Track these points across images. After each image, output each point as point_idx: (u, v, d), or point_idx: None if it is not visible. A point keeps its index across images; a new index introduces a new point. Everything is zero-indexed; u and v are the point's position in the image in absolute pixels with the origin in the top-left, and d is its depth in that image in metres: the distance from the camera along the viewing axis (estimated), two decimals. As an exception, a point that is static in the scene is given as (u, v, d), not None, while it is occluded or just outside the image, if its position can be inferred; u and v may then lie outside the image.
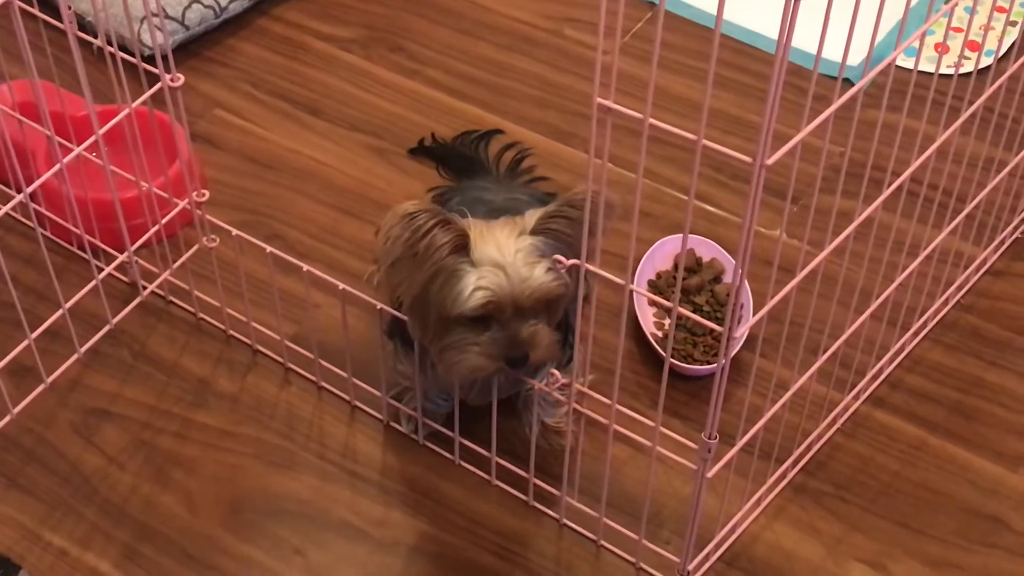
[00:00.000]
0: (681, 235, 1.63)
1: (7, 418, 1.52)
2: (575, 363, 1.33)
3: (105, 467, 1.49)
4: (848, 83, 1.06)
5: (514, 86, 1.99)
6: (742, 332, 1.14)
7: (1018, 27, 1.97)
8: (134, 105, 1.45)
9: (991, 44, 1.96)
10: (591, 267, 1.12)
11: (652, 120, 0.99)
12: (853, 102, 1.06)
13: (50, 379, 1.55)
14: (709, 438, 1.17)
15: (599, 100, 0.99)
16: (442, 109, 1.94)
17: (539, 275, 1.23)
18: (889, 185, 1.24)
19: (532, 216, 1.25)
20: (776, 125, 0.97)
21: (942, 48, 1.40)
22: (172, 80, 1.40)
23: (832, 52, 1.02)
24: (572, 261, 1.14)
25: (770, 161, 0.95)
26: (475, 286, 1.23)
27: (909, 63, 1.18)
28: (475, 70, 2.01)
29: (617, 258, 1.12)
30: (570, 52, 2.04)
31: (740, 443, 1.26)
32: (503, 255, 1.23)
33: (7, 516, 1.44)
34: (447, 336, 1.27)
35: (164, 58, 1.38)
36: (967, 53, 1.97)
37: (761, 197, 0.98)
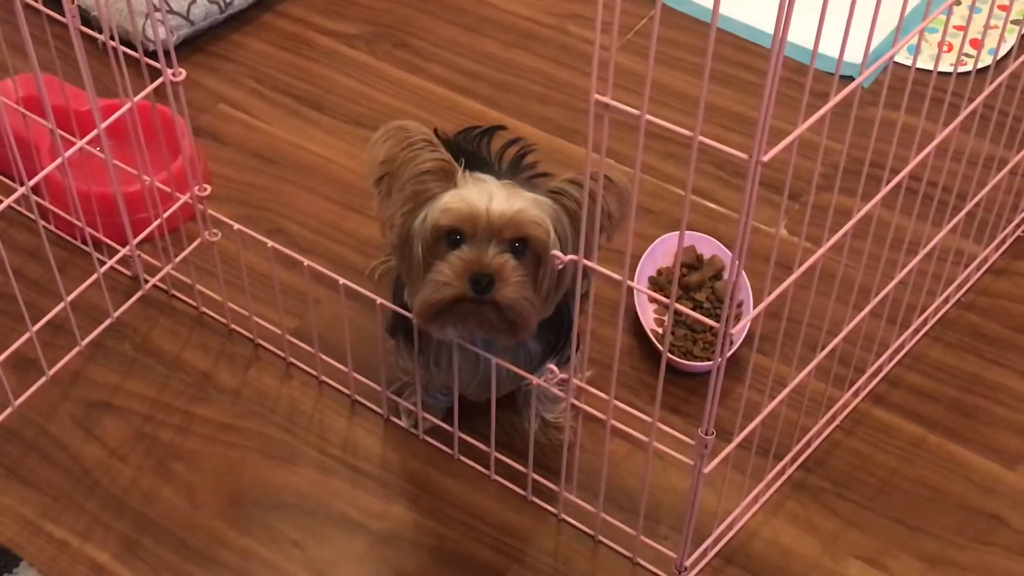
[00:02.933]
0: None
1: (9, 410, 1.52)
2: (573, 359, 1.33)
3: (106, 459, 1.49)
4: (847, 80, 1.06)
5: (517, 82, 1.99)
6: (739, 328, 1.15)
7: (1020, 25, 1.97)
8: (136, 99, 1.45)
9: (994, 42, 1.96)
10: (589, 263, 1.13)
11: (649, 116, 0.99)
12: (853, 99, 1.06)
13: (52, 371, 1.56)
14: (706, 434, 1.18)
15: (597, 96, 0.99)
16: (445, 105, 1.95)
17: (518, 204, 1.22)
18: (888, 182, 1.24)
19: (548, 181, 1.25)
20: (777, 122, 0.97)
21: (945, 46, 1.40)
22: (174, 75, 1.40)
23: (836, 50, 1.03)
24: (570, 257, 1.15)
25: (766, 157, 0.95)
26: (451, 199, 1.22)
27: (912, 61, 1.18)
28: (479, 66, 2.02)
29: (617, 254, 1.12)
30: (574, 48, 2.05)
31: (737, 439, 1.26)
32: (488, 184, 1.23)
33: (8, 507, 1.45)
34: (427, 272, 1.25)
35: (166, 53, 1.39)
36: (969, 51, 1.98)
37: (762, 194, 0.98)
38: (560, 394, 1.30)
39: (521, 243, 1.23)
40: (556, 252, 1.14)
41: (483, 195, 1.22)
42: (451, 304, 1.24)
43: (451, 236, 1.23)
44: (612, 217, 1.23)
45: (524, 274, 1.23)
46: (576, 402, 1.29)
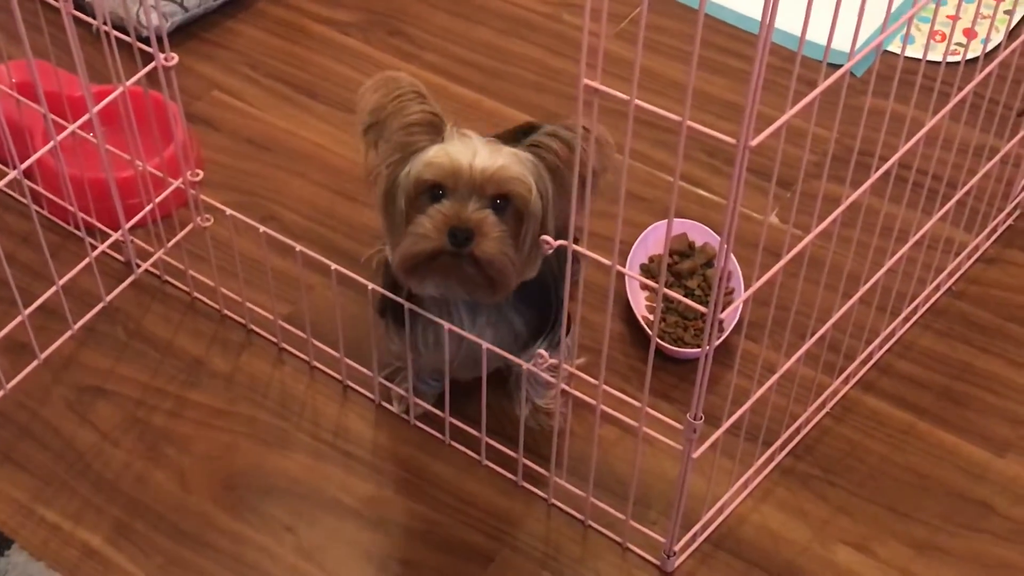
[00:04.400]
0: (675, 219, 1.63)
1: (1, 393, 1.53)
2: (564, 343, 1.34)
3: (98, 443, 1.50)
4: (837, 68, 1.06)
5: (512, 70, 2.00)
6: (728, 314, 1.15)
7: (1012, 15, 1.98)
8: (127, 84, 1.46)
9: (985, 32, 1.96)
10: (578, 248, 1.13)
11: (638, 101, 0.99)
12: (842, 86, 1.07)
13: (44, 355, 1.56)
14: (694, 419, 1.18)
15: (586, 81, 1.00)
16: (440, 93, 1.94)
17: (500, 161, 1.22)
18: (877, 170, 1.24)
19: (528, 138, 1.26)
20: (768, 110, 0.98)
21: (936, 35, 1.40)
22: (166, 60, 1.41)
23: (838, 39, 1.03)
24: (560, 242, 1.15)
25: (754, 143, 0.96)
26: (435, 153, 1.23)
27: (907, 50, 1.19)
28: (473, 54, 2.02)
29: (607, 240, 1.13)
30: (568, 37, 2.05)
31: (725, 424, 1.27)
32: (473, 140, 1.24)
33: (0, 491, 1.46)
34: (409, 225, 1.25)
35: (159, 38, 1.39)
36: (961, 40, 1.98)
37: (753, 182, 0.99)
38: (551, 379, 1.31)
39: (503, 199, 1.23)
40: (545, 237, 1.15)
41: (467, 150, 1.23)
42: (430, 257, 1.24)
43: (433, 190, 1.24)
44: (594, 169, 1.20)
45: (504, 230, 1.24)
46: (566, 387, 1.29)
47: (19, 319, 1.49)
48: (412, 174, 1.24)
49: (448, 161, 1.23)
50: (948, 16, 2.01)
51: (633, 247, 1.64)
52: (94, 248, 1.60)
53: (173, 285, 1.66)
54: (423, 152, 1.24)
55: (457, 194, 1.23)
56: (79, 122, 1.47)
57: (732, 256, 1.58)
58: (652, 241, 1.67)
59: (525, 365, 1.31)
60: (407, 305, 1.33)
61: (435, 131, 1.26)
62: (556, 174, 1.24)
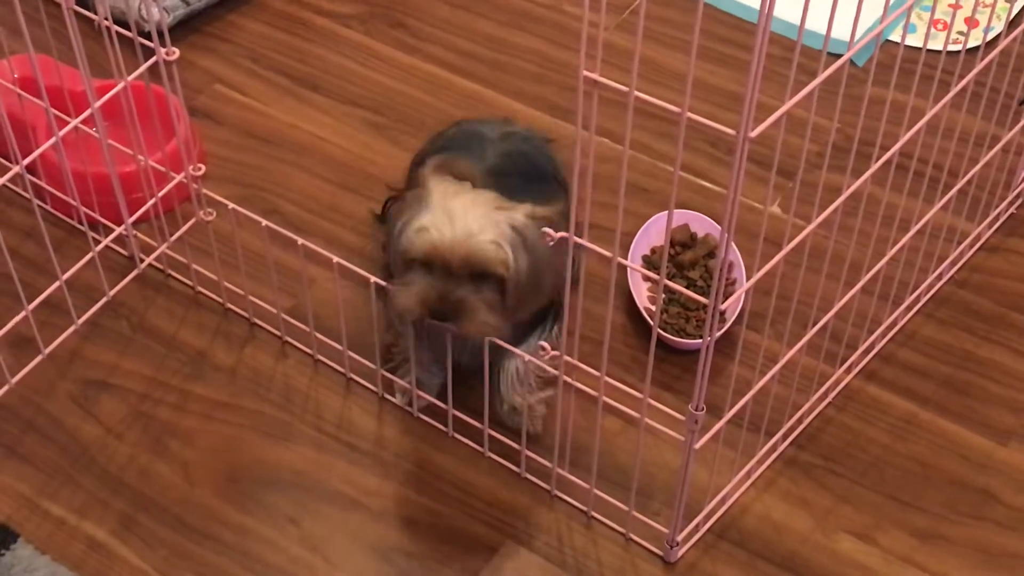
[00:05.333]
0: (677, 210, 1.63)
1: (5, 388, 1.53)
2: (563, 332, 1.35)
3: (103, 437, 1.50)
4: (838, 58, 1.06)
5: (513, 62, 2.00)
6: (730, 305, 1.16)
7: (1013, 4, 1.98)
8: (129, 79, 1.46)
9: (993, 22, 1.96)
10: (581, 240, 1.13)
11: (638, 93, 0.99)
12: (842, 76, 1.07)
13: (48, 350, 1.57)
14: (696, 410, 1.19)
15: (585, 73, 1.00)
16: (441, 85, 1.95)
17: (482, 239, 1.25)
18: (878, 159, 1.24)
19: (520, 209, 1.28)
20: (770, 100, 0.98)
21: (939, 24, 1.40)
22: (167, 54, 1.41)
23: (838, 30, 1.03)
24: (561, 234, 1.15)
25: (754, 133, 0.96)
26: (419, 226, 1.27)
27: (909, 40, 1.19)
28: (475, 46, 2.02)
29: (609, 232, 1.13)
30: (569, 28, 2.05)
31: (728, 415, 1.27)
32: (465, 211, 1.26)
33: (6, 485, 1.46)
34: (399, 269, 1.31)
35: (160, 32, 1.39)
36: (963, 28, 1.98)
37: (755, 173, 0.99)
38: (552, 370, 1.31)
39: (480, 276, 1.27)
40: (547, 229, 1.15)
41: (446, 224, 1.26)
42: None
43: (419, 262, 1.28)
44: (520, 284, 1.28)
45: (486, 303, 1.28)
46: (568, 379, 1.30)
47: (23, 314, 1.50)
48: (400, 244, 1.28)
49: (427, 240, 1.26)
50: (949, 5, 2.00)
51: (635, 238, 1.64)
52: (97, 243, 1.60)
53: (176, 279, 1.67)
54: (414, 218, 1.28)
55: (438, 269, 1.27)
56: (81, 117, 1.47)
57: (734, 246, 1.58)
58: (654, 232, 1.67)
59: (527, 356, 1.32)
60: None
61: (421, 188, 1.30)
62: (540, 258, 1.28)
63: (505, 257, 1.26)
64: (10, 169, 1.41)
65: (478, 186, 1.32)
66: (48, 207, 1.71)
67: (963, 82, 1.34)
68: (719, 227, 1.66)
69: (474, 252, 1.26)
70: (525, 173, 1.42)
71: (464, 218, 1.26)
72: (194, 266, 1.64)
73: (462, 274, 1.27)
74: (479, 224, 1.26)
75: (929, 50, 1.25)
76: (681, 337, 1.56)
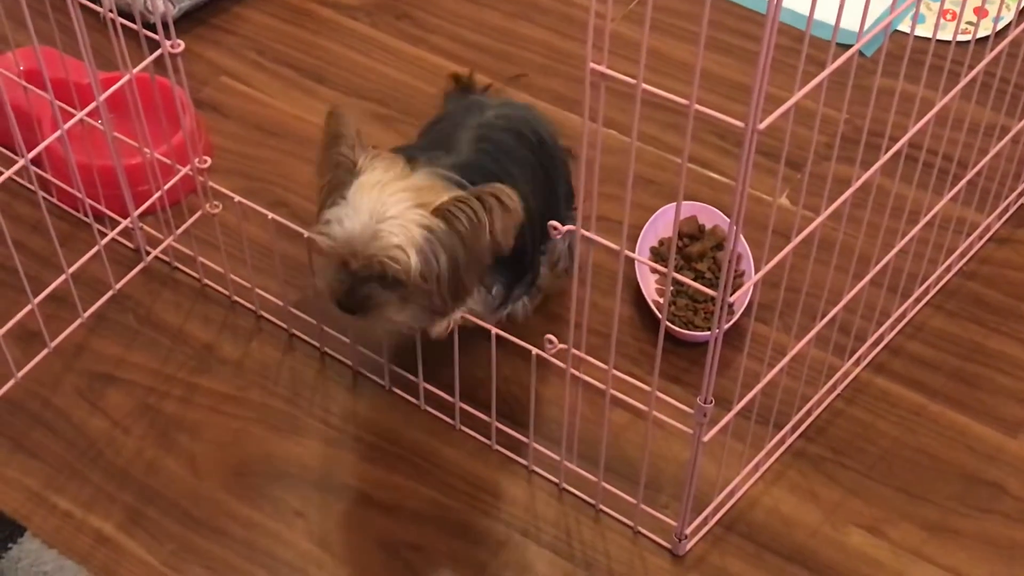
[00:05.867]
0: (685, 202, 1.63)
1: (12, 382, 1.53)
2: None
3: (110, 431, 1.50)
4: (848, 48, 1.05)
5: (520, 53, 1.99)
6: (739, 297, 1.15)
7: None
8: (134, 71, 1.45)
9: (1002, 12, 1.95)
10: (588, 234, 1.13)
11: (645, 85, 0.99)
12: (851, 66, 1.06)
13: (54, 343, 1.57)
14: (705, 402, 1.18)
15: (592, 65, 0.99)
16: (447, 76, 1.94)
17: (387, 244, 1.23)
18: (887, 150, 1.24)
19: (448, 194, 1.26)
20: (779, 91, 0.97)
21: (948, 14, 1.40)
22: (172, 46, 1.40)
23: (847, 20, 1.03)
24: (568, 228, 1.15)
25: (762, 125, 0.95)
26: (327, 220, 1.26)
27: (918, 30, 1.18)
28: (481, 37, 2.02)
29: (616, 224, 1.12)
30: (576, 19, 2.04)
31: (736, 407, 1.27)
32: (376, 209, 1.24)
33: (13, 479, 1.46)
34: (315, 252, 1.31)
35: (165, 25, 1.39)
36: (972, 19, 1.97)
37: (764, 164, 0.99)
38: (560, 363, 1.30)
39: (383, 274, 1.26)
40: (553, 223, 1.14)
41: (353, 221, 1.24)
42: None
43: None
44: (496, 234, 1.26)
45: (396, 300, 1.28)
46: (575, 372, 1.29)
47: (29, 307, 1.50)
48: (312, 231, 1.28)
49: (332, 235, 1.25)
50: (959, -5, 2.00)
51: (643, 230, 1.64)
52: (103, 235, 1.60)
53: (183, 272, 1.67)
54: (329, 208, 1.27)
55: (344, 266, 1.27)
56: (87, 109, 1.47)
57: (742, 238, 1.58)
58: (662, 224, 1.66)
59: (534, 350, 1.31)
60: None
61: (349, 174, 1.28)
62: (467, 239, 1.26)
63: (408, 264, 1.24)
64: (16, 162, 1.41)
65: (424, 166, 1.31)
66: (54, 200, 1.71)
67: (973, 72, 1.33)
68: (727, 219, 1.66)
69: (372, 255, 1.24)
70: (506, 153, 1.41)
71: (373, 216, 1.24)
72: (200, 259, 1.63)
73: (364, 269, 1.26)
74: (387, 225, 1.24)
75: (939, 40, 1.24)
76: (689, 329, 1.55)
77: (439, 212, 1.25)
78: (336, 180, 1.29)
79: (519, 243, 1.31)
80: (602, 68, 0.98)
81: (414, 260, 1.24)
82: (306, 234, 1.42)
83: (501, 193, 1.24)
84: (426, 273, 1.25)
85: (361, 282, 1.27)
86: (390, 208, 1.24)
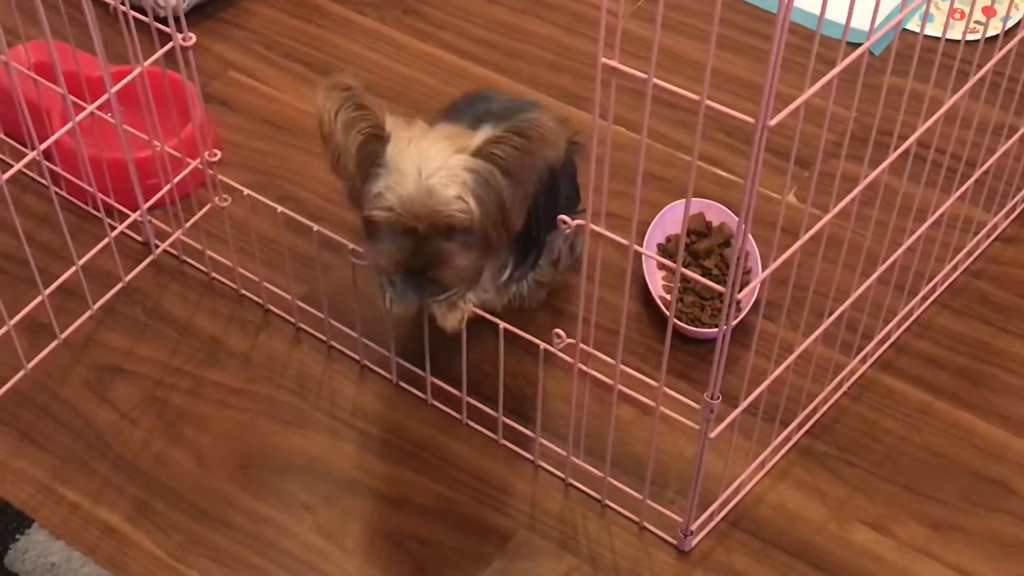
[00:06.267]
0: (693, 199, 1.63)
1: (21, 373, 1.54)
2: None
3: (118, 423, 1.51)
4: (857, 47, 1.06)
5: (528, 49, 1.99)
6: (746, 294, 1.15)
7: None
8: (145, 64, 1.46)
9: (1011, 11, 1.95)
10: (597, 228, 1.13)
11: (656, 80, 0.99)
12: (861, 65, 1.06)
13: (64, 335, 1.57)
14: (711, 398, 1.18)
15: (604, 60, 0.99)
16: (455, 72, 1.95)
17: (446, 198, 1.24)
18: (896, 149, 1.24)
19: (481, 135, 1.26)
20: (789, 89, 0.98)
21: (956, 13, 1.40)
22: (184, 39, 1.41)
23: (857, 19, 1.03)
24: (578, 222, 1.15)
25: (772, 122, 0.95)
26: (378, 191, 1.25)
27: (928, 29, 1.18)
28: (489, 33, 2.02)
29: (624, 220, 1.13)
30: (585, 16, 2.04)
31: (743, 404, 1.27)
32: (421, 166, 1.24)
33: (21, 470, 1.47)
34: (369, 228, 1.30)
35: (176, 18, 1.40)
36: (981, 18, 1.97)
37: (772, 162, 0.99)
38: (567, 358, 1.31)
39: (448, 228, 1.26)
40: (563, 217, 1.15)
41: (404, 186, 1.24)
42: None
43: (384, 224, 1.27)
44: (490, 223, 1.28)
45: (459, 250, 1.28)
46: (583, 367, 1.30)
47: (39, 299, 1.50)
48: (365, 211, 1.27)
49: (388, 204, 1.25)
50: (967, -6, 2.00)
51: (650, 227, 1.64)
52: (113, 228, 1.60)
53: (191, 265, 1.67)
54: (373, 181, 1.26)
55: (404, 229, 1.26)
56: (97, 102, 1.47)
57: (750, 236, 1.58)
58: (669, 221, 1.66)
59: (542, 345, 1.31)
60: None
61: (377, 139, 1.27)
62: (517, 177, 1.26)
63: (469, 209, 1.25)
64: (26, 154, 1.41)
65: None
66: (63, 193, 1.71)
67: (981, 72, 1.33)
68: (735, 216, 1.66)
69: (437, 212, 1.25)
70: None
71: (421, 174, 1.24)
72: (209, 252, 1.64)
73: (426, 226, 1.26)
74: (438, 179, 1.24)
75: (947, 39, 1.25)
76: (696, 326, 1.56)
77: (479, 152, 1.25)
78: (365, 152, 1.27)
79: (527, 219, 1.32)
80: (613, 63, 0.98)
81: (473, 205, 1.25)
82: (315, 227, 1.42)
83: (534, 121, 1.23)
84: (483, 214, 1.26)
85: (424, 240, 1.27)
86: (433, 160, 1.24)
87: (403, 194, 1.24)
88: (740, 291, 1.09)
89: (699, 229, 1.66)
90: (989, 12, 1.97)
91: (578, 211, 1.52)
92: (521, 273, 1.46)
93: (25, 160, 1.42)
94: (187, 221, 1.67)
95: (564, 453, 1.43)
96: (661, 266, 1.63)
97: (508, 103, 1.48)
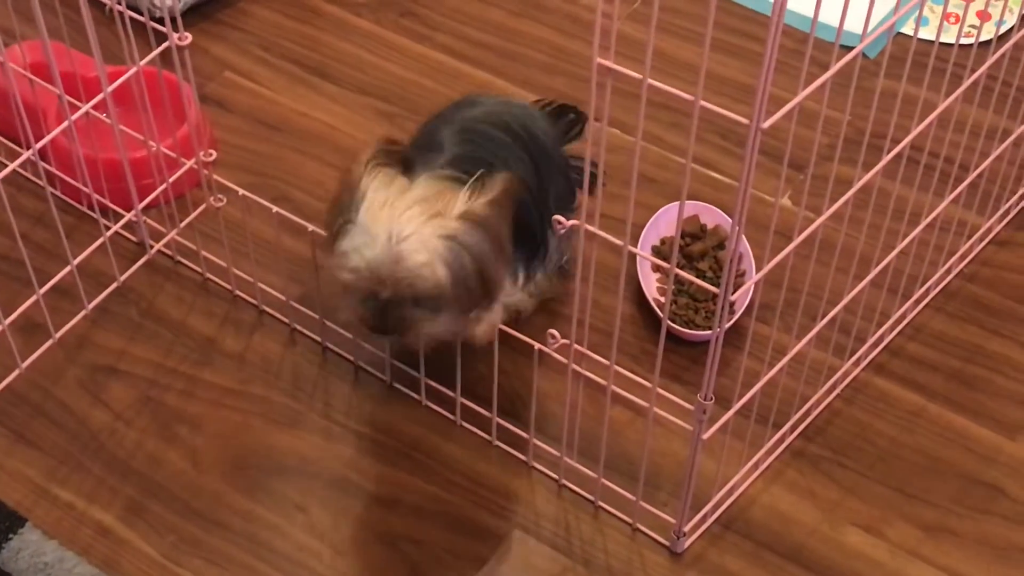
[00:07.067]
0: (687, 201, 1.63)
1: (16, 373, 1.54)
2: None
3: (112, 423, 1.51)
4: (851, 50, 1.06)
5: (524, 52, 1.99)
6: (739, 296, 1.16)
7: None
8: (141, 64, 1.46)
9: (1005, 15, 1.95)
10: (591, 228, 1.14)
11: (651, 81, 0.99)
12: (854, 68, 1.07)
13: (58, 335, 1.57)
14: (705, 400, 1.19)
15: (599, 61, 1.00)
16: (451, 74, 1.95)
17: (415, 265, 1.22)
18: (889, 152, 1.24)
19: (463, 196, 1.24)
20: (783, 92, 0.98)
21: (951, 18, 1.40)
22: (180, 39, 1.41)
23: (851, 23, 1.03)
24: (572, 222, 1.15)
25: (766, 124, 0.96)
26: (345, 251, 1.24)
27: (922, 33, 1.19)
28: (485, 35, 2.02)
29: (619, 222, 1.13)
30: (581, 18, 2.05)
31: (736, 406, 1.27)
32: (392, 230, 1.22)
33: (15, 470, 1.47)
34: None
35: (172, 18, 1.40)
36: (975, 22, 1.97)
37: (766, 165, 0.99)
38: (561, 358, 1.31)
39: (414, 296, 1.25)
40: (558, 217, 1.15)
41: (373, 248, 1.22)
42: None
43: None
44: (465, 290, 1.26)
45: (426, 318, 1.27)
46: (577, 367, 1.30)
47: (34, 299, 1.50)
48: (333, 269, 1.26)
49: (356, 266, 1.23)
50: (962, -2, 2.00)
51: (645, 229, 1.64)
52: (107, 228, 1.60)
53: (186, 266, 1.67)
54: (342, 236, 1.25)
55: (372, 294, 1.25)
56: (93, 102, 1.47)
57: (744, 238, 1.58)
58: (664, 223, 1.67)
59: (536, 346, 1.32)
60: None
61: (351, 193, 1.26)
62: (495, 243, 1.25)
63: (438, 278, 1.22)
64: (20, 154, 1.42)
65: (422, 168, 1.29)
66: (58, 193, 1.71)
67: (975, 75, 1.34)
68: (729, 219, 1.67)
69: (403, 280, 1.23)
70: (491, 140, 1.39)
71: (391, 239, 1.21)
72: (203, 253, 1.64)
73: (401, 295, 1.25)
74: (408, 246, 1.21)
75: (941, 43, 1.25)
76: (690, 328, 1.56)
77: (458, 218, 1.23)
78: (340, 201, 1.27)
79: (526, 219, 1.32)
80: (609, 63, 0.99)
81: (442, 273, 1.22)
82: (310, 228, 1.42)
83: (504, 181, 1.24)
84: (456, 282, 1.23)
85: (392, 305, 1.25)
86: (405, 226, 1.22)
87: (371, 257, 1.22)
88: (734, 293, 1.09)
89: (693, 231, 1.66)
90: (984, 16, 1.97)
91: (574, 209, 1.51)
92: (535, 271, 1.45)
93: (20, 160, 1.42)
94: (182, 221, 1.67)
95: (558, 454, 1.43)
96: (655, 268, 1.63)
97: (495, 106, 1.48)
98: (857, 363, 1.55)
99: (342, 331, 1.54)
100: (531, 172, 1.41)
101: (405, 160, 1.31)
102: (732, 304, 1.52)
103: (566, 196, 1.51)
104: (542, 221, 1.40)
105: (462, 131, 1.39)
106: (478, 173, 1.27)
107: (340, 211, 1.26)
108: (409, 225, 1.22)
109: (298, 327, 1.60)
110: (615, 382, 1.27)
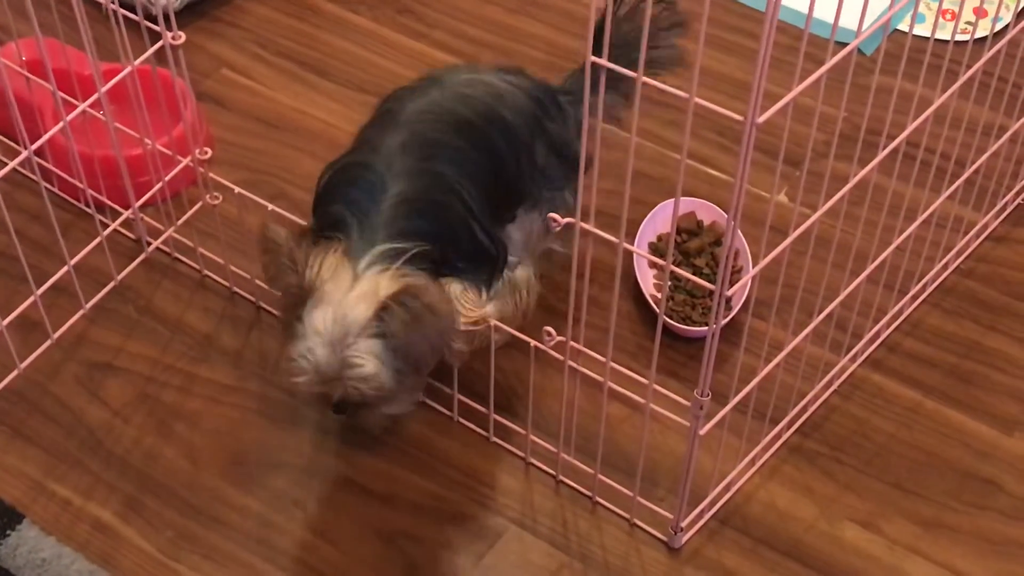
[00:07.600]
0: (684, 198, 1.64)
1: (14, 372, 1.54)
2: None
3: (109, 420, 1.51)
4: (844, 46, 1.06)
5: (522, 49, 1.99)
6: (736, 291, 1.16)
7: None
8: (136, 63, 1.46)
9: (1001, 12, 1.95)
10: (587, 226, 1.14)
11: (645, 79, 0.99)
12: (850, 64, 1.07)
13: (56, 334, 1.57)
14: (701, 395, 1.19)
15: (593, 58, 1.00)
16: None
17: (361, 375, 1.27)
18: (885, 148, 1.24)
19: (397, 283, 1.26)
20: (778, 89, 0.98)
21: (947, 14, 1.40)
22: (173, 38, 1.41)
23: (848, 19, 1.03)
24: (567, 220, 1.15)
25: (761, 120, 0.96)
26: (292, 357, 1.28)
27: (918, 30, 1.19)
28: (483, 33, 2.02)
29: (615, 218, 1.13)
30: (577, 15, 2.05)
31: (733, 402, 1.27)
32: (336, 335, 1.26)
33: (12, 467, 1.47)
34: None
35: (166, 16, 1.40)
36: (971, 19, 1.97)
37: (762, 161, 0.99)
38: (558, 355, 1.31)
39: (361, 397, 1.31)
40: (553, 215, 1.15)
41: (317, 352, 1.26)
42: None
43: None
44: (438, 335, 1.29)
45: (373, 410, 1.34)
46: (573, 364, 1.30)
47: (32, 298, 1.50)
48: (285, 372, 1.31)
49: (303, 372, 1.28)
50: (958, -6, 2.00)
51: (642, 226, 1.64)
52: (105, 226, 1.60)
53: (183, 263, 1.67)
54: (292, 340, 1.29)
55: (322, 393, 1.31)
56: (89, 100, 1.47)
57: (740, 234, 1.58)
58: (661, 219, 1.67)
59: (533, 342, 1.32)
60: None
61: (299, 291, 1.29)
62: (405, 347, 1.28)
63: (381, 381, 1.28)
64: (18, 151, 1.42)
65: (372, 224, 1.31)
66: (55, 190, 1.72)
67: (971, 71, 1.34)
68: (725, 215, 1.67)
69: (349, 384, 1.28)
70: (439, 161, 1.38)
71: (337, 344, 1.26)
72: (200, 250, 1.64)
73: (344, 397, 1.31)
74: (353, 351, 1.26)
75: (937, 39, 1.25)
76: (686, 324, 1.56)
77: (385, 308, 1.25)
78: (290, 300, 1.31)
79: (475, 244, 1.37)
80: (602, 60, 0.99)
81: (385, 376, 1.28)
82: (307, 225, 1.42)
83: (420, 294, 1.25)
84: (399, 374, 1.29)
85: (340, 401, 1.32)
86: (351, 328, 1.26)
87: (315, 363, 1.27)
88: (730, 289, 1.09)
89: (690, 228, 1.66)
90: (980, 13, 1.97)
91: (569, 187, 1.47)
92: (494, 284, 1.43)
93: (19, 159, 1.42)
94: (179, 219, 1.67)
95: (555, 450, 1.43)
96: (652, 265, 1.63)
97: (453, 94, 1.43)
98: (854, 359, 1.55)
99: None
100: (487, 171, 1.39)
101: (341, 222, 1.33)
102: (729, 300, 1.52)
103: (558, 175, 1.47)
104: (498, 223, 1.41)
105: (404, 144, 1.37)
106: (414, 250, 1.29)
107: (288, 307, 1.31)
108: (354, 326, 1.26)
109: (295, 324, 1.60)
110: (612, 378, 1.28)
